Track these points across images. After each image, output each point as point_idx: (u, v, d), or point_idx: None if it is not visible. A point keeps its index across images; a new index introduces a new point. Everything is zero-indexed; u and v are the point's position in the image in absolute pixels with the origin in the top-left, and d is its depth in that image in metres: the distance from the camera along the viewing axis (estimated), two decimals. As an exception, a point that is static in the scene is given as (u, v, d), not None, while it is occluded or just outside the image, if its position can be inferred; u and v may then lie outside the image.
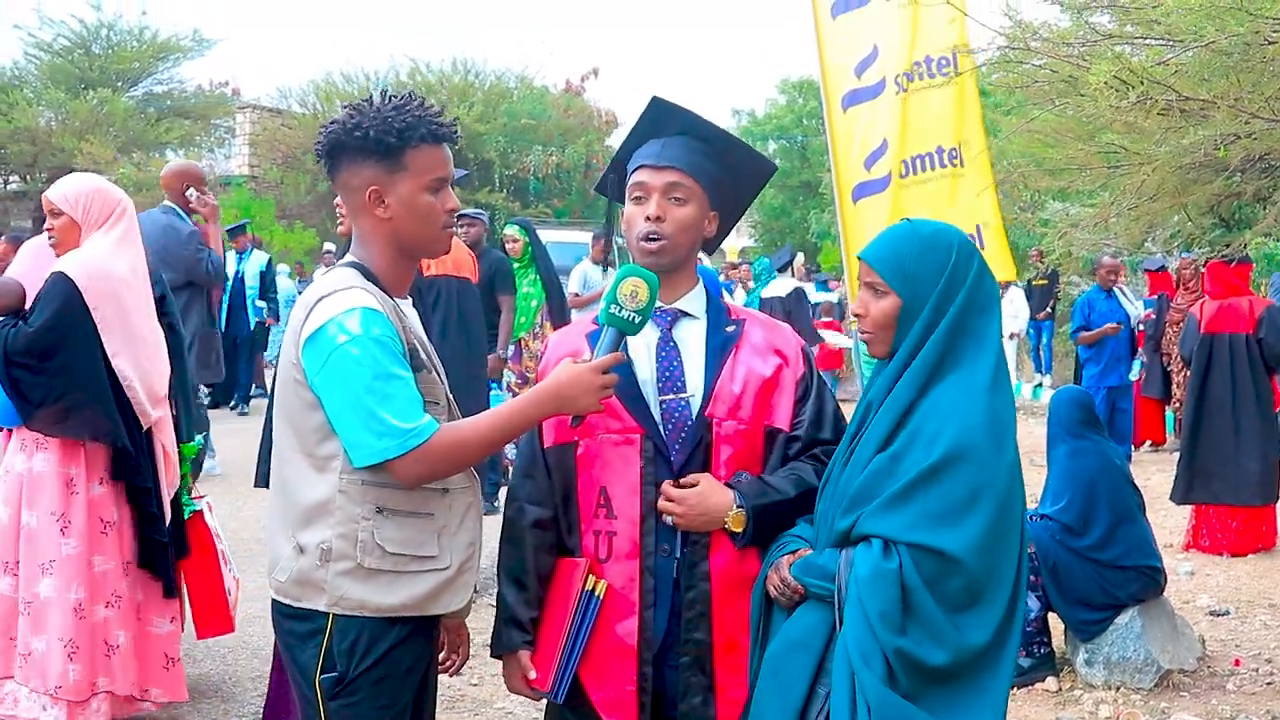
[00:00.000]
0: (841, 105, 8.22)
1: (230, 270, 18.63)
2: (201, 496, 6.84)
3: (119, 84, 39.69)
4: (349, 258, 3.72)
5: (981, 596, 3.33)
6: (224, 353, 10.97)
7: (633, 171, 3.86)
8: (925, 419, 3.40)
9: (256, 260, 20.16)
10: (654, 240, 3.76)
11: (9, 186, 39.52)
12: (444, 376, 3.75)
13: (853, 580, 3.36)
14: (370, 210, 3.60)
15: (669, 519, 3.70)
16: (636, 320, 3.56)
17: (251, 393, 19.37)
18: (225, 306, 18.25)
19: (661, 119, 3.89)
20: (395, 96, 3.63)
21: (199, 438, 7.09)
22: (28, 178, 38.19)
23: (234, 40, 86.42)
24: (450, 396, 3.74)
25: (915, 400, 3.44)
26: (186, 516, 6.57)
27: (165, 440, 6.25)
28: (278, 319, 20.59)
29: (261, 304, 20.05)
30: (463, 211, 12.09)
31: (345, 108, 3.65)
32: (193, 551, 6.59)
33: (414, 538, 3.55)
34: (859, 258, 3.63)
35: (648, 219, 3.77)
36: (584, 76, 42.60)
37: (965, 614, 3.31)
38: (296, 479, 3.59)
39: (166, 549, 6.23)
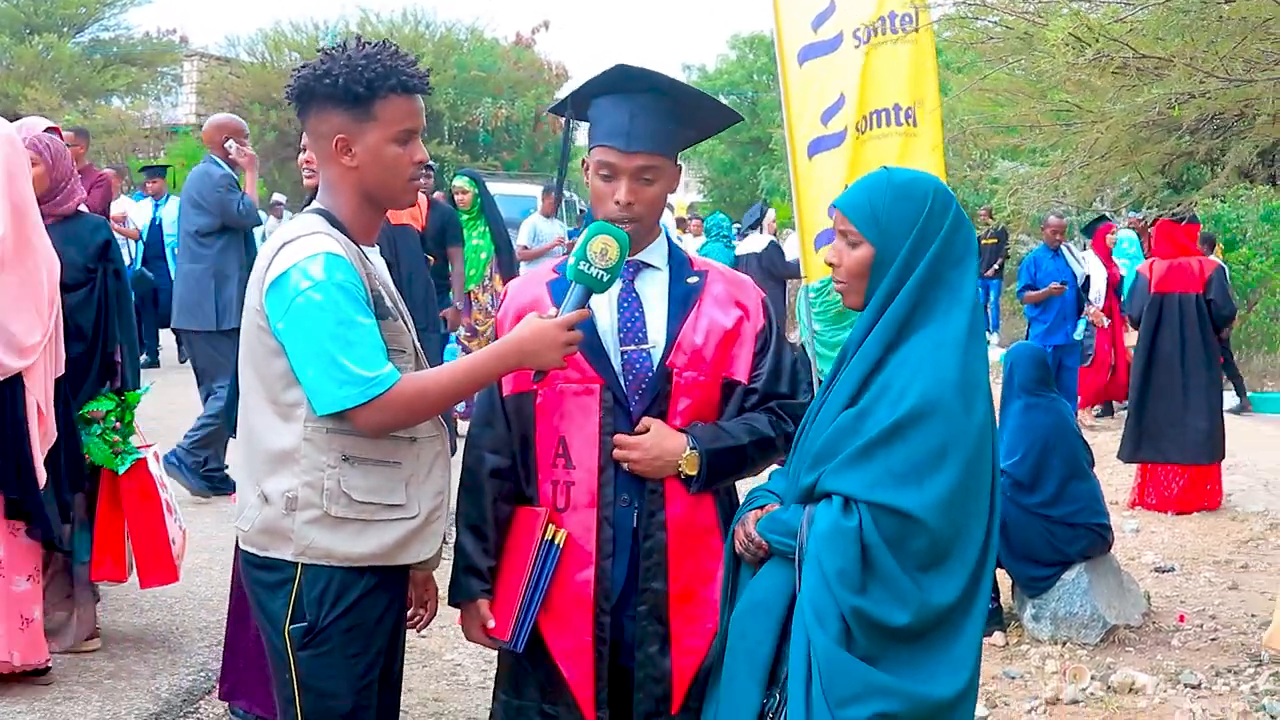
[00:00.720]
0: (798, 59, 8.16)
1: (145, 217, 18.02)
2: (148, 445, 6.76)
3: (65, 29, 39.32)
4: (315, 204, 3.67)
5: (948, 556, 3.27)
6: (136, 309, 10.68)
7: (597, 144, 3.77)
8: (894, 374, 3.33)
9: (176, 206, 18.84)
10: (630, 222, 3.71)
11: (-49, 132, 39.06)
12: (411, 325, 3.71)
13: (812, 537, 3.31)
14: (337, 158, 3.55)
15: (626, 465, 3.70)
16: (605, 279, 3.53)
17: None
18: (140, 258, 17.57)
19: (629, 80, 3.81)
20: (369, 44, 3.56)
21: (147, 385, 7.00)
22: (-30, 124, 37.77)
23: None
24: (417, 345, 3.70)
25: (885, 354, 3.36)
26: (127, 465, 6.47)
27: (37, 391, 5.91)
28: None
29: None
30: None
31: (319, 52, 3.59)
32: (135, 500, 6.48)
33: (381, 486, 3.51)
34: (834, 205, 3.55)
35: (618, 203, 3.72)
36: (534, 29, 42.51)
37: (930, 573, 3.25)
38: (262, 427, 3.55)
39: (33, 501, 5.95)
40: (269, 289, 3.43)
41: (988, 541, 3.34)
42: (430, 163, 12.59)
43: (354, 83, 3.46)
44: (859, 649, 3.23)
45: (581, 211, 19.27)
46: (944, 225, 3.39)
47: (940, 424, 3.25)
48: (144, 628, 7.11)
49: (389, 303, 3.58)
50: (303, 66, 3.59)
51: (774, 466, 3.85)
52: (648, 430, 3.70)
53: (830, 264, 3.57)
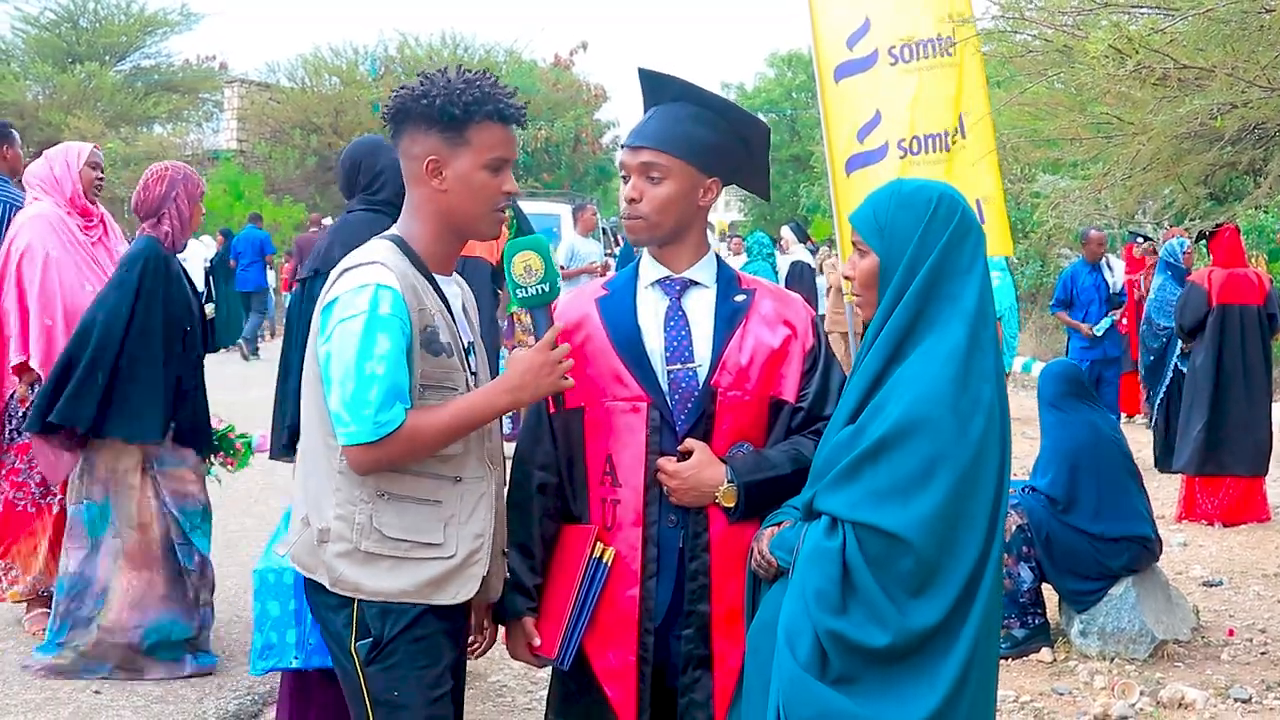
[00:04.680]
0: (834, 77, 8.21)
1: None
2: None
3: (106, 58, 39.61)
4: (393, 230, 3.68)
5: (934, 577, 3.20)
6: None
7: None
8: (890, 390, 3.29)
9: None
10: (632, 219, 3.77)
11: (-4, 161, 39.36)
12: (470, 363, 3.68)
13: (799, 557, 3.31)
14: (426, 181, 3.56)
15: (664, 490, 3.69)
16: (546, 290, 3.56)
17: None
18: None
19: (653, 89, 3.87)
20: (469, 71, 3.59)
21: None
22: (15, 153, 38.05)
23: (222, 14, 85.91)
24: (471, 384, 3.64)
25: (885, 369, 3.33)
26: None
27: None
28: None
29: None
30: None
31: (419, 75, 3.62)
32: None
33: (417, 524, 3.49)
34: (849, 219, 3.57)
35: (628, 201, 3.77)
36: (573, 50, 42.56)
37: (915, 597, 3.19)
38: (311, 451, 3.57)
39: None
40: (322, 311, 3.49)
41: (982, 565, 3.25)
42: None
43: (450, 105, 3.48)
44: (833, 671, 3.20)
45: (603, 232, 19.19)
46: (946, 232, 3.36)
47: (927, 440, 3.20)
48: (191, 651, 7.11)
49: (445, 339, 3.55)
50: (402, 88, 3.61)
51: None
52: (690, 453, 3.68)
53: (846, 278, 3.56)
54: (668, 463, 3.69)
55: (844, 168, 8.09)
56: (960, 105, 7.81)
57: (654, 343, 3.76)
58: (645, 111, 3.88)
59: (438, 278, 3.61)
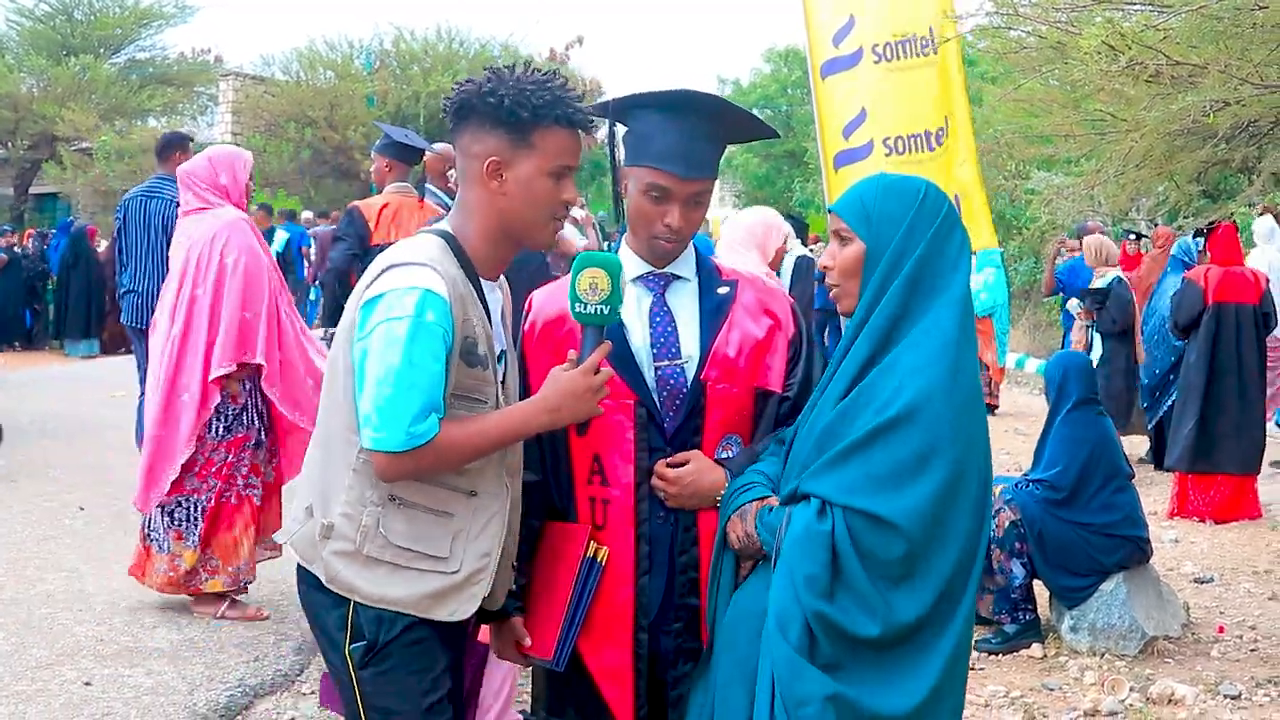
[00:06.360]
0: (821, 74, 8.27)
1: None
2: None
3: (101, 50, 39.54)
4: (443, 226, 3.53)
5: (921, 567, 3.18)
6: None
7: (650, 165, 3.65)
8: (881, 376, 3.25)
9: None
10: (671, 243, 3.70)
11: (-10, 153, 39.39)
12: (503, 376, 3.55)
13: (786, 540, 3.26)
14: (485, 182, 3.41)
15: (661, 496, 3.66)
16: (606, 311, 3.38)
17: None
18: None
19: (686, 101, 3.72)
20: (538, 70, 3.45)
21: None
22: (9, 145, 38.04)
23: (216, 7, 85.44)
24: (502, 398, 3.51)
25: (874, 355, 3.29)
26: None
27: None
28: None
29: None
30: None
31: (486, 70, 3.46)
32: None
33: (424, 534, 3.36)
34: (828, 210, 3.54)
35: (669, 226, 3.66)
36: (568, 45, 42.49)
37: (898, 587, 3.17)
38: (328, 441, 3.46)
39: None
40: (363, 305, 3.32)
41: (968, 559, 3.24)
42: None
43: (519, 106, 3.33)
44: (822, 655, 3.17)
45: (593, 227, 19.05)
46: (935, 223, 3.34)
47: (927, 428, 3.18)
48: (181, 643, 7.13)
49: (483, 350, 3.40)
50: (467, 81, 3.45)
51: (770, 446, 3.72)
52: (687, 462, 3.65)
53: (824, 267, 3.54)
54: (664, 469, 3.65)
55: (834, 163, 8.14)
56: (945, 106, 7.85)
57: (638, 339, 3.71)
58: (643, 108, 3.71)
59: (483, 283, 3.48)
